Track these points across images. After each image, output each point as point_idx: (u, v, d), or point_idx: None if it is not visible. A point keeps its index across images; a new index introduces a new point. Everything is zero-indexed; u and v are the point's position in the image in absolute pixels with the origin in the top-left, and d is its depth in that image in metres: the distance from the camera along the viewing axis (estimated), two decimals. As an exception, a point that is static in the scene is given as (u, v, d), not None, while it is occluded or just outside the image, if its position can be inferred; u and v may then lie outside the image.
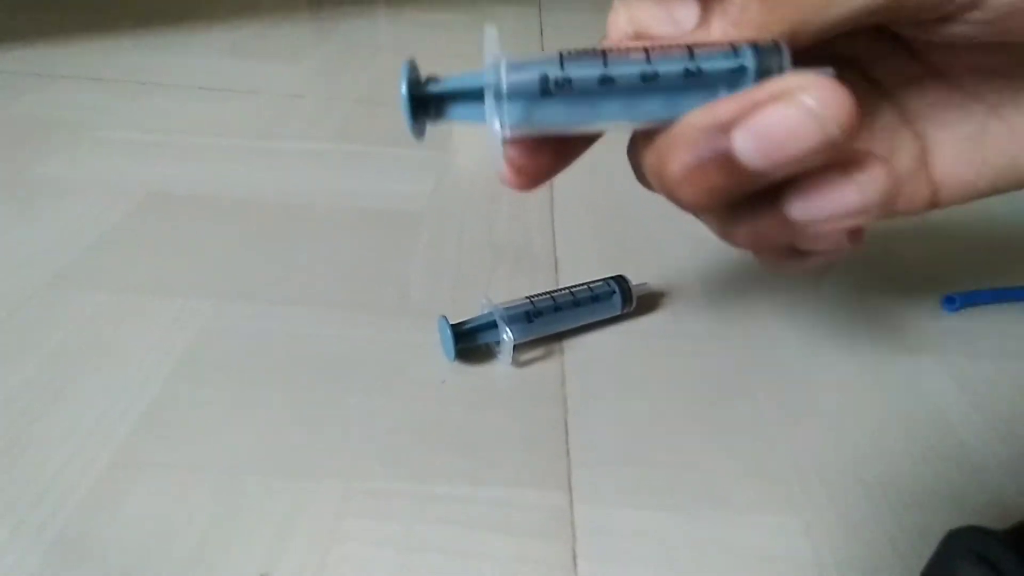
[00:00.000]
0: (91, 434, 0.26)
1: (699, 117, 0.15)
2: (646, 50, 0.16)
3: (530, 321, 0.31)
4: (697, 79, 0.16)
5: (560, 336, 0.33)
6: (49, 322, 0.31)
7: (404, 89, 0.17)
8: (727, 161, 0.15)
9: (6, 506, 0.23)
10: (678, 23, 0.18)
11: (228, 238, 0.38)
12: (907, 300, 0.38)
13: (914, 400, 0.31)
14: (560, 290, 0.33)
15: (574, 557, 0.23)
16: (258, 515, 0.24)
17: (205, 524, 0.23)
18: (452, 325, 0.30)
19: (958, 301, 0.37)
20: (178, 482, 0.25)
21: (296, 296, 0.34)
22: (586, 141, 0.19)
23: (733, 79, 0.15)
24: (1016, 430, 0.30)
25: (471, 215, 0.43)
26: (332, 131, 0.52)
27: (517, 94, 0.16)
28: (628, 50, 0.16)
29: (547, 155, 0.18)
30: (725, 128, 0.15)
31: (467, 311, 0.31)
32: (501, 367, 0.31)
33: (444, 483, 0.25)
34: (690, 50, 0.16)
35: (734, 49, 0.16)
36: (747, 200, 0.17)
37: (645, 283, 0.35)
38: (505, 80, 0.16)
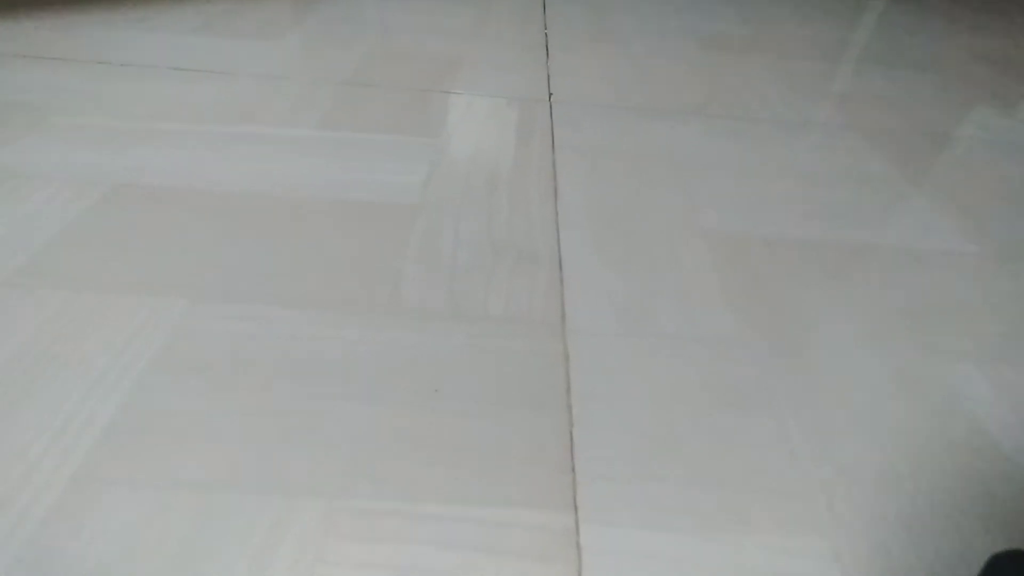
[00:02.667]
0: (52, 445, 0.26)
1: None
2: None
3: None
4: None
5: (563, 335, 0.33)
6: (7, 323, 0.31)
7: None
8: None
9: (-43, 526, 0.23)
10: None
11: (202, 233, 0.38)
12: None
13: (954, 411, 0.31)
14: None
15: (581, 582, 0.23)
16: (234, 537, 0.24)
17: (176, 545, 0.23)
18: None
19: None
20: (147, 499, 0.24)
21: (276, 295, 0.34)
22: None
23: None
24: (1062, 443, 0.30)
25: (468, 208, 0.42)
26: (316, 116, 0.52)
27: None
28: None
29: None
30: None
31: (465, 310, 0.31)
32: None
33: (437, 502, 0.25)
34: None
35: None
36: None
37: None
38: None
